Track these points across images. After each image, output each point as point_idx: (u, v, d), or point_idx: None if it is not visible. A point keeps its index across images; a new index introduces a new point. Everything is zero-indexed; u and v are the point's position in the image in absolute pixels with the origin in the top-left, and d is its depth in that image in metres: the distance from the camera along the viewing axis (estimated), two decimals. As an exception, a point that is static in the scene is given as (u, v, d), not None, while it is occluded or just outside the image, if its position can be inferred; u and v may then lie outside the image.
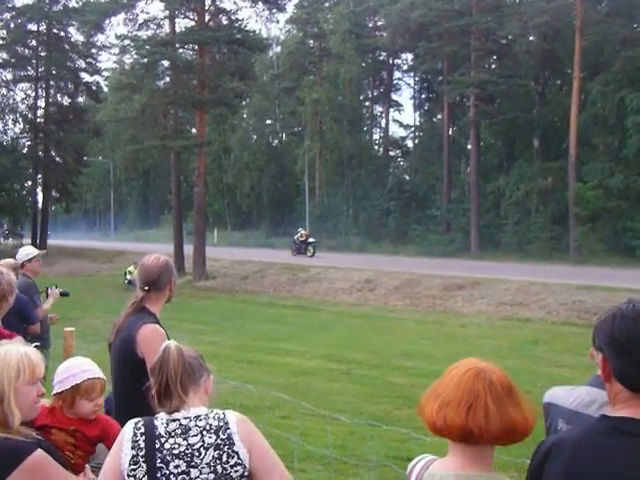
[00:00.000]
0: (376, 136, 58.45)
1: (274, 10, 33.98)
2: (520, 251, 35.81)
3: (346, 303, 22.92)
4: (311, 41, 53.87)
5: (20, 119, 45.91)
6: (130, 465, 2.25)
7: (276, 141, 59.69)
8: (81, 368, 2.95)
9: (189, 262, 30.25)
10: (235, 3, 32.74)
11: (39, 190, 45.42)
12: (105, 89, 53.86)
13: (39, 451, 2.38)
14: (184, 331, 13.44)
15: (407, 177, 50.48)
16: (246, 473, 2.29)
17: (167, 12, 32.19)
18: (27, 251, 7.22)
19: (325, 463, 6.24)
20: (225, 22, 32.17)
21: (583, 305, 18.77)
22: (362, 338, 16.06)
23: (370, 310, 21.51)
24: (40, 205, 44.97)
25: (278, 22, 65.17)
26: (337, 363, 12.83)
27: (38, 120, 44.65)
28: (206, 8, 31.24)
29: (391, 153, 55.71)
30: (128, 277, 25.47)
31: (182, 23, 32.78)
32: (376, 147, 56.78)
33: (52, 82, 44.78)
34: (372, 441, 6.45)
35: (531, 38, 40.95)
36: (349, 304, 22.75)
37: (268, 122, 59.37)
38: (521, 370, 11.27)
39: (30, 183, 45.85)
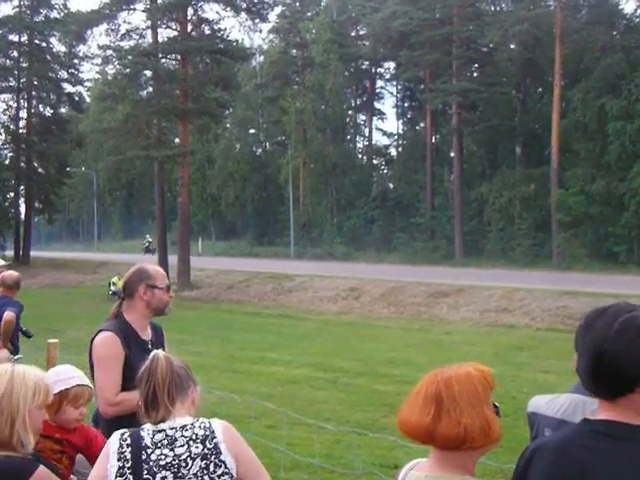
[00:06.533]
0: (360, 145, 58.64)
1: (257, 20, 33.99)
2: (504, 258, 35.92)
3: (331, 312, 22.91)
4: (294, 50, 53.99)
5: (2, 130, 45.71)
6: (116, 477, 2.23)
7: (260, 150, 59.69)
8: (69, 374, 2.97)
9: (174, 272, 30.11)
10: (217, 13, 33.00)
11: (22, 201, 45.15)
12: (87, 99, 53.66)
13: (41, 468, 2.37)
14: (169, 341, 13.36)
15: (391, 185, 50.55)
16: (233, 482, 2.27)
17: (149, 22, 32.16)
18: None
19: (312, 472, 6.22)
20: (208, 32, 32.22)
21: (567, 311, 18.88)
22: (348, 346, 16.05)
23: (355, 318, 21.51)
24: (23, 216, 44.68)
25: (261, 32, 65.40)
26: (323, 372, 12.80)
27: (20, 131, 44.38)
28: (188, 18, 31.29)
29: (375, 161, 55.82)
30: (112, 288, 25.25)
31: (164, 33, 32.81)
32: (360, 156, 56.85)
33: (34, 93, 44.59)
34: (359, 449, 6.46)
35: (512, 46, 41.27)
36: (334, 312, 22.74)
37: (252, 131, 59.42)
38: (506, 376, 11.30)
39: (12, 194, 45.59)
